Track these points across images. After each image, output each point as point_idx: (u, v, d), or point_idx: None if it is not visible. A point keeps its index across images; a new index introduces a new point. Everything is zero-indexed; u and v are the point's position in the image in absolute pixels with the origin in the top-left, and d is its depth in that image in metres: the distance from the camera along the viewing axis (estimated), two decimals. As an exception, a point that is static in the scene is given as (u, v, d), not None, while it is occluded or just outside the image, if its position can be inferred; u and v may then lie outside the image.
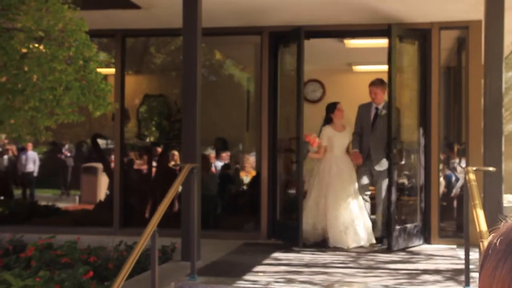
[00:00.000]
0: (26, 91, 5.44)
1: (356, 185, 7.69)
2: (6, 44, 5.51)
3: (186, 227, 6.16)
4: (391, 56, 7.29)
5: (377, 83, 7.72)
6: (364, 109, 7.88)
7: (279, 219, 8.00)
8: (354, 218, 7.45)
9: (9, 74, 5.51)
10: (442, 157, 8.31)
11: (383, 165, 7.55)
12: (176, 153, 8.86)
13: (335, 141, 7.75)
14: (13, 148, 9.47)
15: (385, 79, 7.47)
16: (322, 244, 7.48)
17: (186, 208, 6.26)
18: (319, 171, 7.79)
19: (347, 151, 7.92)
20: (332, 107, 7.90)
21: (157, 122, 9.24)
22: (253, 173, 8.82)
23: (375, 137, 7.63)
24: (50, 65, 5.38)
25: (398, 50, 7.45)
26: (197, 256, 5.90)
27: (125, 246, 7.27)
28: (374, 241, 7.54)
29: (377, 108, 7.72)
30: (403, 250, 7.33)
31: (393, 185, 7.29)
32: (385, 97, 7.60)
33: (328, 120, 7.90)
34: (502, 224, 1.19)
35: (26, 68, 5.47)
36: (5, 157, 9.73)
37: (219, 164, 8.99)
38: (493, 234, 1.15)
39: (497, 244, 1.10)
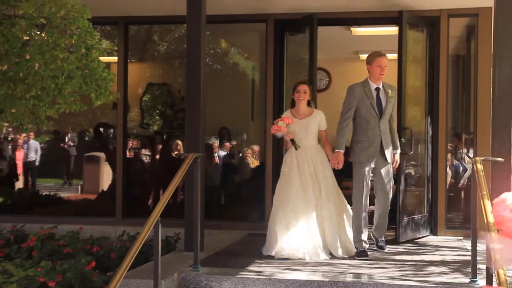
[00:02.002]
0: (28, 79, 5.36)
1: (330, 185, 6.40)
2: (8, 32, 5.42)
3: (190, 218, 6.09)
4: (401, 44, 7.18)
5: (384, 55, 6.42)
6: (360, 90, 6.38)
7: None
8: (325, 231, 6.28)
9: (11, 63, 5.42)
10: (449, 147, 8.20)
11: (391, 158, 6.51)
12: (180, 142, 8.77)
13: (296, 131, 6.40)
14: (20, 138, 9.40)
15: (394, 67, 7.31)
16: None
17: (189, 198, 6.19)
18: (282, 172, 6.52)
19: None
20: (293, 87, 6.59)
21: (160, 111, 9.15)
22: (256, 162, 8.73)
23: (384, 124, 6.39)
24: (52, 53, 5.30)
25: (408, 37, 7.34)
26: (200, 246, 5.83)
27: (127, 236, 7.22)
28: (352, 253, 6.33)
29: (377, 89, 6.41)
30: (409, 241, 7.24)
31: (402, 174, 7.21)
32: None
33: (292, 103, 6.62)
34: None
35: (27, 56, 5.39)
36: (9, 146, 9.67)
37: (223, 153, 8.90)
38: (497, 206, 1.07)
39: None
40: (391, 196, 6.56)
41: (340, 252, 6.25)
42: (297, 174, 6.31)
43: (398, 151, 6.67)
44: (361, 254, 6.23)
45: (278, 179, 6.52)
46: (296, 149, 6.33)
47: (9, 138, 9.57)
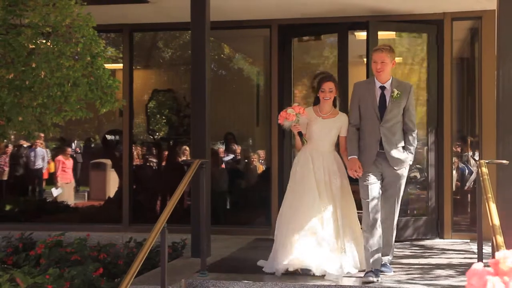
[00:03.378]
0: (34, 88, 5.40)
1: (346, 196, 5.70)
2: (14, 41, 5.48)
3: (196, 223, 6.11)
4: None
5: (385, 49, 5.44)
6: (363, 88, 5.61)
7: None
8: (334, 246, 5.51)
9: (17, 71, 5.47)
10: (455, 149, 8.20)
11: (398, 165, 5.47)
12: (187, 148, 8.80)
13: (315, 130, 5.70)
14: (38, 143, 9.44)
15: (398, 70, 7.31)
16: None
17: (195, 204, 6.21)
18: (294, 173, 5.77)
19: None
20: (317, 85, 5.76)
21: (166, 117, 9.18)
22: (262, 167, 8.75)
23: (386, 129, 5.43)
24: (57, 61, 5.34)
25: (406, 41, 7.37)
26: (207, 252, 5.85)
27: (135, 242, 7.24)
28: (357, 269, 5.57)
29: (382, 87, 5.49)
30: (415, 244, 7.24)
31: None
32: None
33: (316, 101, 5.84)
34: None
35: (33, 65, 5.43)
36: (17, 154, 9.72)
37: (229, 159, 8.93)
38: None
39: None
40: (397, 210, 5.59)
41: (351, 267, 5.52)
42: (313, 178, 5.58)
43: (409, 159, 5.52)
44: (368, 275, 5.27)
45: (289, 181, 5.80)
46: (303, 143, 5.67)
47: (16, 146, 9.61)
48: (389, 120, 5.44)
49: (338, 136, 5.77)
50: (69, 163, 9.25)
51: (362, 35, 8.77)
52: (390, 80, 5.48)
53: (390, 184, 5.50)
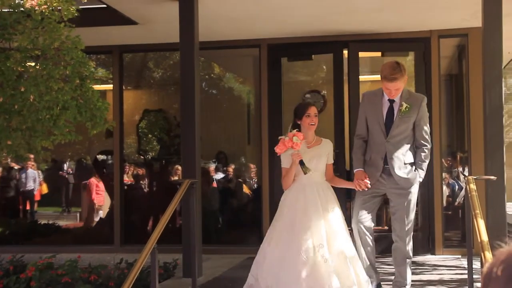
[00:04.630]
0: (23, 111, 5.42)
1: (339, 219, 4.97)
2: (2, 65, 5.50)
3: (187, 243, 6.11)
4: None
5: (398, 77, 4.90)
6: (370, 100, 5.18)
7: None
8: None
9: (6, 95, 5.49)
10: (445, 165, 8.24)
11: (404, 184, 5.05)
12: (179, 167, 8.81)
13: (305, 161, 4.98)
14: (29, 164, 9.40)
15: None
16: None
17: (186, 224, 6.22)
18: (281, 213, 5.00)
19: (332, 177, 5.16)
20: (300, 111, 5.11)
21: (157, 137, 9.20)
22: (253, 186, 8.76)
23: (391, 145, 5.04)
24: (46, 84, 5.36)
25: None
26: (198, 272, 5.84)
27: (126, 263, 7.23)
28: None
29: (391, 101, 5.05)
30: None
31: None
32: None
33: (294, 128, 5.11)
34: (499, 250, 1.15)
35: (22, 89, 5.45)
36: (8, 176, 9.70)
37: (220, 178, 8.94)
38: (491, 261, 1.11)
39: (498, 272, 1.06)
40: (408, 229, 5.10)
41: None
42: (299, 218, 4.88)
43: (419, 176, 5.09)
44: None
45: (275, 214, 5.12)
46: (305, 173, 4.94)
47: (7, 168, 9.60)
48: (395, 135, 5.03)
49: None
50: (101, 185, 9.23)
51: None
52: (400, 92, 5.01)
53: (397, 204, 5.06)
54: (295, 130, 4.99)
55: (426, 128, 5.09)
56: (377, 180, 5.08)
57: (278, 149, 4.95)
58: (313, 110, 5.05)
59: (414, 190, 5.08)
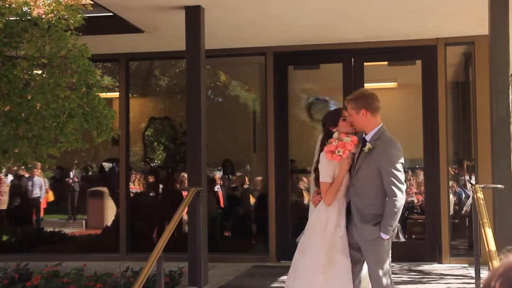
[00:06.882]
0: (30, 119, 5.43)
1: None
2: (9, 73, 5.52)
3: (193, 252, 6.09)
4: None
5: (348, 101, 4.43)
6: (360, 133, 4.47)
7: (291, 240, 7.91)
8: None
9: (13, 103, 5.50)
10: (452, 172, 8.20)
11: (369, 234, 4.26)
12: (185, 175, 8.81)
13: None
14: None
15: (391, 95, 7.37)
16: None
17: (192, 232, 6.20)
18: (324, 230, 4.38)
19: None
20: (334, 117, 4.53)
21: (163, 145, 9.20)
22: (259, 194, 8.74)
23: (353, 190, 4.34)
24: (53, 92, 5.37)
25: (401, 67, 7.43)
26: (204, 280, 5.83)
27: (132, 272, 7.19)
28: None
29: (364, 139, 4.36)
30: (413, 269, 7.21)
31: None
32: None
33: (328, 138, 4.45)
34: (499, 262, 1.14)
35: (29, 97, 5.47)
36: (14, 183, 9.70)
37: (227, 185, 8.93)
38: (489, 275, 1.09)
39: (496, 286, 1.04)
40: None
41: None
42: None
43: (378, 236, 4.22)
44: None
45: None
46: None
47: (13, 176, 9.61)
48: (358, 179, 4.31)
49: None
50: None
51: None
52: (374, 131, 4.31)
53: (366, 256, 4.33)
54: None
55: (392, 180, 4.16)
56: (349, 225, 4.40)
57: (339, 155, 4.26)
58: (346, 113, 4.44)
59: (382, 242, 4.24)
